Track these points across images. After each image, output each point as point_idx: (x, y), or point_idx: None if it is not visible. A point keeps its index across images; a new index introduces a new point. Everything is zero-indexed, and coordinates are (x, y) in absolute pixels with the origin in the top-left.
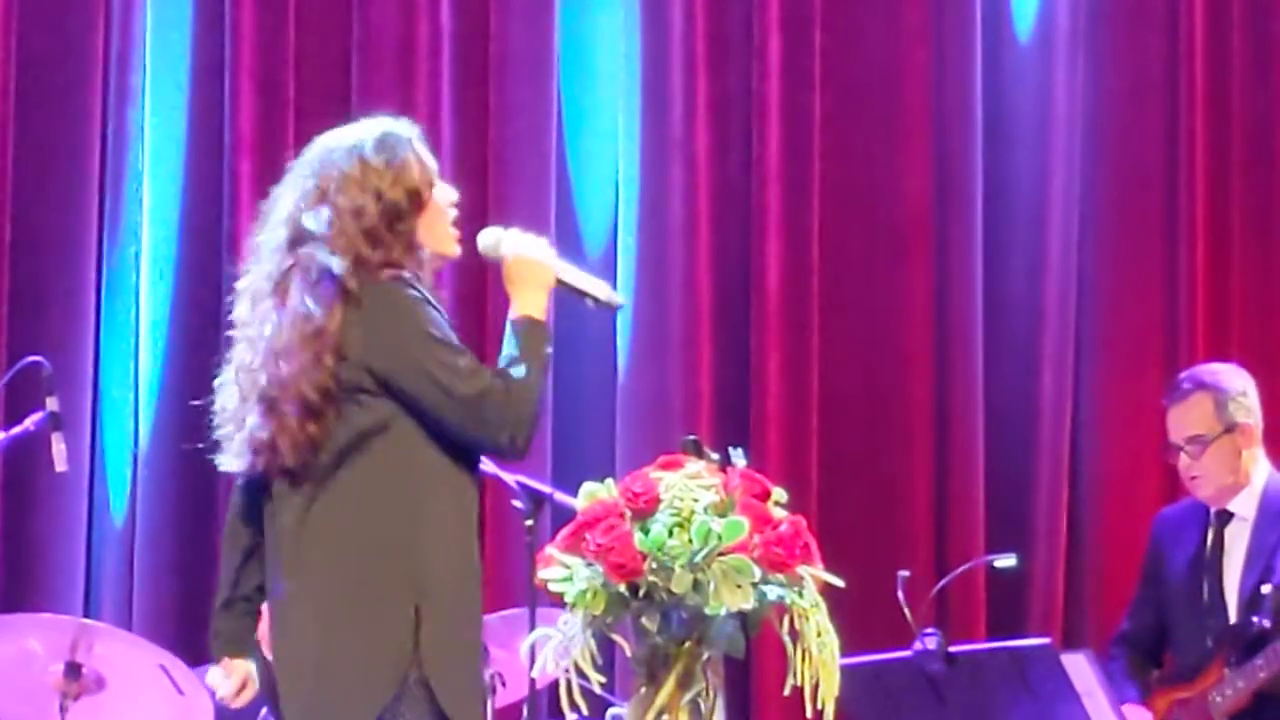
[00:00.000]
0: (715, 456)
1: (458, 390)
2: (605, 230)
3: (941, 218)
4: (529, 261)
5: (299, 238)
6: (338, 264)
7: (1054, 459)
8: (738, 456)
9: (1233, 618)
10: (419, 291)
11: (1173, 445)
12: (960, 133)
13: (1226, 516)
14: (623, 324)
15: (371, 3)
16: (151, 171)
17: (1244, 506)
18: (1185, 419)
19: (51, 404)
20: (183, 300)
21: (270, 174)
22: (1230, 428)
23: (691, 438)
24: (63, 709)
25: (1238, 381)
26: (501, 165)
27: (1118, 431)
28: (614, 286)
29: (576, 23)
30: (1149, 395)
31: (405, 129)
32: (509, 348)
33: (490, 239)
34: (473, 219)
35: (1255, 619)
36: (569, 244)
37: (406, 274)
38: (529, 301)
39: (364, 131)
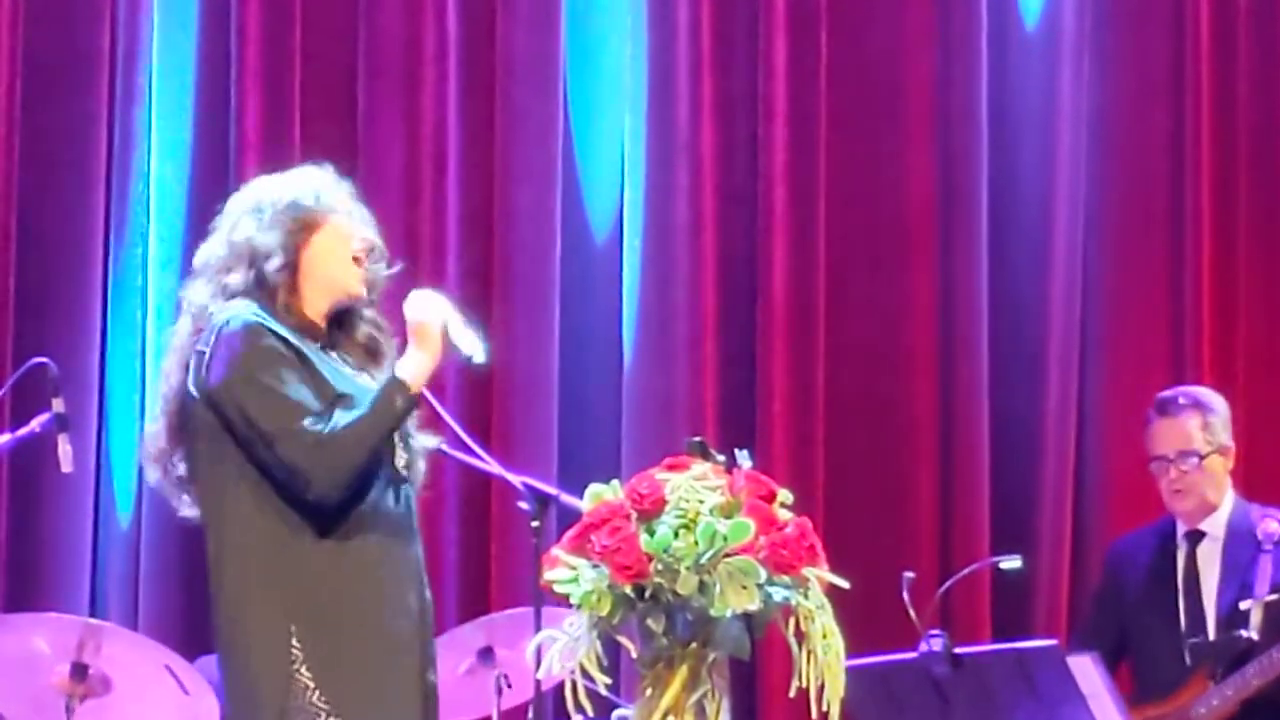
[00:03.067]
0: (721, 458)
1: (261, 424)
2: (611, 231)
3: (947, 219)
4: (417, 325)
5: (194, 271)
6: (209, 293)
7: (1059, 460)
8: (743, 458)
9: (1211, 634)
10: (265, 326)
11: (1161, 457)
12: (966, 133)
13: (1198, 536)
14: (628, 325)
15: (378, 5)
16: (157, 173)
17: (1214, 526)
18: (1179, 432)
19: (57, 405)
20: None
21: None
22: (1220, 449)
23: (697, 439)
24: (69, 710)
25: (1223, 405)
26: (508, 168)
27: (1123, 432)
28: (620, 286)
29: (583, 25)
30: (1154, 396)
31: (325, 174)
32: (367, 398)
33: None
34: (479, 222)
35: (1241, 633)
36: (575, 245)
37: (258, 307)
38: (407, 363)
39: (281, 173)
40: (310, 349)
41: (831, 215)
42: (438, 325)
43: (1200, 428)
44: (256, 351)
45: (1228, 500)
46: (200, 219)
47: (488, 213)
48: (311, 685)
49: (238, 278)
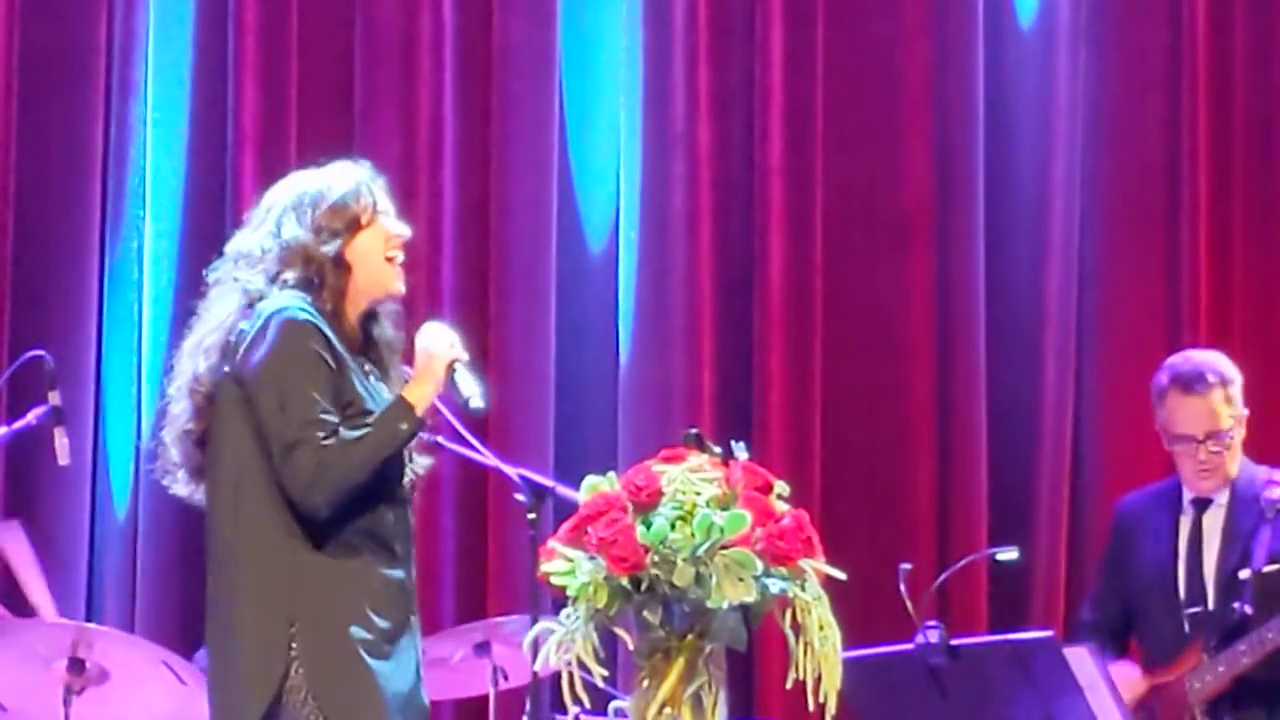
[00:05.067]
0: (717, 450)
1: (282, 430)
2: (607, 224)
3: (943, 210)
4: (427, 355)
5: (238, 258)
6: (257, 281)
7: (1056, 451)
8: (740, 450)
9: (1211, 603)
10: (316, 325)
11: (1188, 437)
12: (962, 125)
13: (1204, 503)
14: (625, 317)
15: None
16: (154, 166)
17: (1220, 493)
18: (1208, 412)
19: (54, 398)
20: (185, 294)
21: (272, 168)
22: (1240, 419)
23: (694, 431)
24: (66, 702)
25: (1235, 371)
26: (503, 160)
27: (1120, 423)
28: (616, 277)
29: (578, 17)
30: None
31: (363, 170)
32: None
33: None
34: (475, 214)
35: (1236, 605)
36: (571, 237)
37: (308, 303)
38: (414, 388)
39: (320, 168)
40: (351, 358)
41: (828, 206)
42: (443, 360)
43: (1225, 403)
44: (301, 351)
45: (1236, 465)
46: (197, 212)
47: (484, 205)
48: (305, 689)
49: (293, 274)
